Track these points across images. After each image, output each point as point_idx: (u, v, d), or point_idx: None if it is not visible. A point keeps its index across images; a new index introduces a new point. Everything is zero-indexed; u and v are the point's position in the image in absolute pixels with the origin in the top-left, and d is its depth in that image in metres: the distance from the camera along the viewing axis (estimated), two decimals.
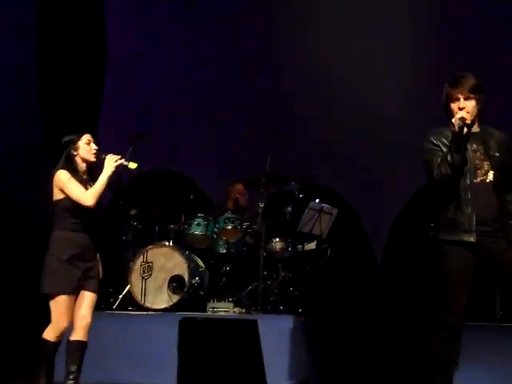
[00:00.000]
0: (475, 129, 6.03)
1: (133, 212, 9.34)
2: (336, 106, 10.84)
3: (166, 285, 9.02)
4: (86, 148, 6.84)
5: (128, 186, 9.63)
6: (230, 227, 9.38)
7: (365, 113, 10.69)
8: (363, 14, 10.91)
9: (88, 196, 6.69)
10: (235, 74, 11.17)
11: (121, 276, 9.26)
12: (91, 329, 7.89)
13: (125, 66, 11.36)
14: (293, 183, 9.55)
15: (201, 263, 9.38)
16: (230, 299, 8.97)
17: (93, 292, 6.88)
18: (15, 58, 11.22)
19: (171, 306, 8.96)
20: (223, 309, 8.83)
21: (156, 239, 9.37)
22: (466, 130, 5.91)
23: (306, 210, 9.44)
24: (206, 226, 9.40)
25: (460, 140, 5.92)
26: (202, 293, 9.21)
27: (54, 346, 6.83)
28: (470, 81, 5.98)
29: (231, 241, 9.45)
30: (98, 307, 8.86)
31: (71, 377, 6.79)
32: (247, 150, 10.79)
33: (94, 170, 6.93)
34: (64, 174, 6.72)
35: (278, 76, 11.06)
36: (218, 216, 9.51)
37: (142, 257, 9.10)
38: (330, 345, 9.51)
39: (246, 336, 5.44)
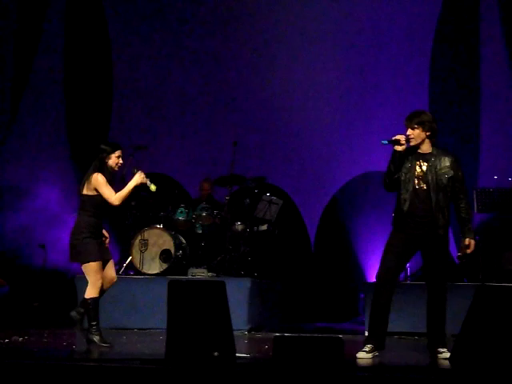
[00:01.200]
0: (426, 150, 6.12)
1: (133, 203, 9.27)
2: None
3: (158, 256, 8.98)
4: (115, 160, 6.73)
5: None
6: (204, 214, 9.38)
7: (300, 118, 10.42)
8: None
9: (116, 198, 6.63)
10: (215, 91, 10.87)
11: (125, 250, 9.26)
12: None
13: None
14: (250, 181, 9.56)
15: (183, 240, 9.33)
16: (205, 266, 9.00)
17: (111, 259, 6.91)
18: None
19: (162, 272, 8.93)
20: (200, 273, 8.83)
21: (150, 223, 9.27)
22: (397, 147, 6.04)
23: (260, 201, 9.50)
24: (187, 213, 9.39)
25: (394, 153, 6.07)
26: (184, 262, 9.18)
27: (96, 300, 6.72)
28: (415, 116, 6.12)
29: (205, 224, 9.43)
30: None
31: (94, 328, 6.75)
32: (216, 156, 10.59)
33: (113, 176, 6.85)
34: (101, 177, 6.62)
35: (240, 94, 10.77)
36: (195, 206, 9.52)
37: (140, 235, 9.03)
38: (278, 298, 9.56)
39: (216, 293, 5.40)
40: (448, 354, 5.86)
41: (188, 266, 9.09)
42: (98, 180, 6.62)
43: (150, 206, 9.44)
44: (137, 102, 10.93)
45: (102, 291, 6.80)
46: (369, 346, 6.07)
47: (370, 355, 6.04)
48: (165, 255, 8.99)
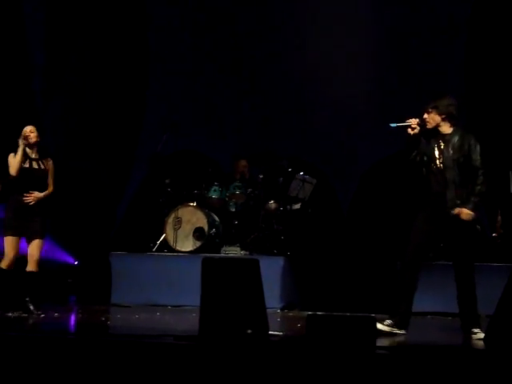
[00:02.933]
0: (446, 131, 6.27)
1: (167, 181, 9.30)
2: (313, 94, 10.44)
3: (192, 234, 9.02)
4: (25, 133, 7.26)
5: (163, 162, 9.75)
6: (237, 192, 9.35)
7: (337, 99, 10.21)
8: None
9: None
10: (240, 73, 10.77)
11: (158, 227, 9.24)
12: (139, 265, 7.96)
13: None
14: (284, 160, 9.53)
15: (217, 218, 9.34)
16: (238, 244, 9.03)
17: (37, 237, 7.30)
18: None
19: (195, 250, 8.97)
20: (233, 251, 8.90)
21: (184, 201, 9.30)
22: (409, 130, 6.21)
23: (293, 180, 9.45)
24: (220, 192, 9.38)
25: (408, 136, 6.21)
26: (217, 240, 9.20)
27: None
28: (431, 100, 6.29)
29: (239, 202, 9.41)
30: (143, 250, 9.12)
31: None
32: (250, 133, 10.56)
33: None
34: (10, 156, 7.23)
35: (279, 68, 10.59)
36: (229, 184, 9.49)
37: (173, 213, 9.06)
38: (310, 278, 9.49)
39: (250, 271, 5.42)
40: (482, 335, 5.88)
41: (221, 244, 9.12)
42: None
43: (184, 183, 9.46)
44: (172, 79, 10.90)
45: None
46: (388, 320, 6.16)
47: (386, 328, 6.12)
48: (198, 233, 9.01)
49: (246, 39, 10.72)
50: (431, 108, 6.26)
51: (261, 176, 9.34)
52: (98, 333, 6.13)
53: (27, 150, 7.25)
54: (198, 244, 9.00)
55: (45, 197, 7.28)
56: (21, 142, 7.18)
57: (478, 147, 6.23)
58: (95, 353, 5.15)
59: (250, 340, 5.26)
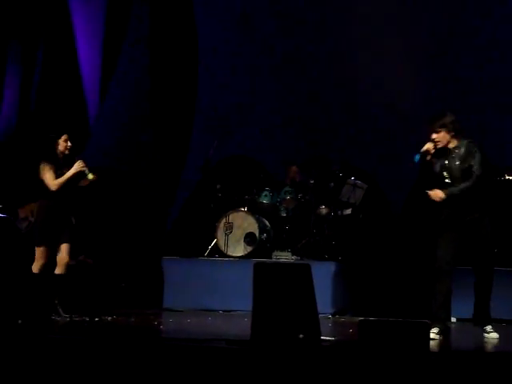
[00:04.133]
0: (453, 144, 6.46)
1: (218, 186, 9.35)
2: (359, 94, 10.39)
3: (243, 239, 9.04)
4: (63, 144, 7.23)
5: (214, 168, 9.81)
6: (288, 197, 9.36)
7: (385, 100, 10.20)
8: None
9: (54, 184, 7.12)
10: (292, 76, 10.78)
11: (210, 232, 9.28)
12: (190, 270, 7.98)
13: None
14: (334, 165, 9.52)
15: (268, 223, 9.34)
16: (289, 250, 9.02)
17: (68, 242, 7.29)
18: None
19: (246, 255, 8.98)
20: (284, 256, 8.89)
21: (235, 206, 9.31)
22: (429, 157, 6.43)
23: (345, 185, 9.42)
24: (271, 197, 9.41)
25: (424, 163, 6.45)
26: (268, 245, 9.21)
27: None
28: (436, 120, 6.45)
29: (290, 207, 9.40)
30: (195, 255, 9.16)
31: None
32: (299, 140, 10.59)
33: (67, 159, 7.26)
34: (44, 165, 7.15)
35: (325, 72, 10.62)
36: (280, 189, 9.50)
37: (225, 218, 9.08)
38: (362, 283, 9.43)
39: (301, 276, 5.39)
40: (494, 335, 6.42)
41: (272, 249, 9.13)
42: (41, 168, 7.14)
43: (235, 189, 9.51)
44: (222, 85, 10.95)
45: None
46: (435, 329, 6.39)
47: (438, 336, 6.36)
48: (249, 238, 9.03)
49: (297, 44, 10.72)
50: (439, 128, 6.42)
51: (312, 181, 9.34)
52: (150, 337, 6.17)
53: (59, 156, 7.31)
54: (249, 249, 9.02)
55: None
56: (77, 167, 7.15)
57: (478, 156, 6.44)
58: (148, 357, 5.19)
59: (302, 345, 5.26)
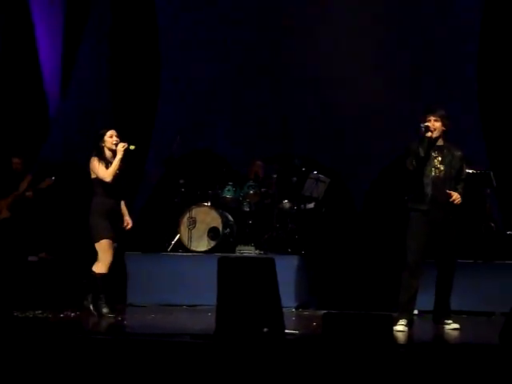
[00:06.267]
0: (440, 142, 6.61)
1: (181, 181, 9.34)
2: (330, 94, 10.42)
3: (206, 234, 9.01)
4: (109, 140, 7.28)
5: (177, 162, 9.74)
6: (252, 192, 9.33)
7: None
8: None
9: (106, 174, 7.17)
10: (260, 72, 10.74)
11: (173, 227, 9.23)
12: (154, 265, 7.97)
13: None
14: (297, 160, 9.50)
15: (231, 218, 9.33)
16: (253, 244, 9.00)
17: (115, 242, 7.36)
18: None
19: (209, 249, 8.95)
20: (248, 251, 8.86)
21: (198, 201, 9.28)
22: (429, 133, 6.49)
23: (307, 180, 9.41)
24: (234, 191, 9.37)
25: (425, 138, 6.50)
26: (231, 239, 9.20)
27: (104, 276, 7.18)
28: (438, 109, 6.60)
29: (253, 202, 9.39)
30: (158, 250, 9.12)
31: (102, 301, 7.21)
32: (264, 134, 10.55)
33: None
34: (93, 159, 7.23)
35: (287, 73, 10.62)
36: (243, 184, 9.47)
37: (188, 213, 9.04)
38: (325, 277, 9.46)
39: (265, 270, 5.46)
40: (455, 325, 6.61)
41: (235, 243, 9.11)
42: (92, 163, 7.20)
43: (198, 183, 9.48)
44: (186, 81, 10.93)
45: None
46: (403, 320, 6.52)
47: (407, 328, 6.49)
48: (212, 233, 9.01)
49: (263, 41, 10.73)
50: (438, 116, 6.53)
51: (275, 175, 9.35)
52: (114, 332, 6.15)
53: (108, 153, 7.31)
54: (213, 244, 9.00)
55: None
56: (120, 149, 7.20)
57: (465, 162, 6.75)
58: (112, 352, 5.17)
59: (266, 339, 5.27)
